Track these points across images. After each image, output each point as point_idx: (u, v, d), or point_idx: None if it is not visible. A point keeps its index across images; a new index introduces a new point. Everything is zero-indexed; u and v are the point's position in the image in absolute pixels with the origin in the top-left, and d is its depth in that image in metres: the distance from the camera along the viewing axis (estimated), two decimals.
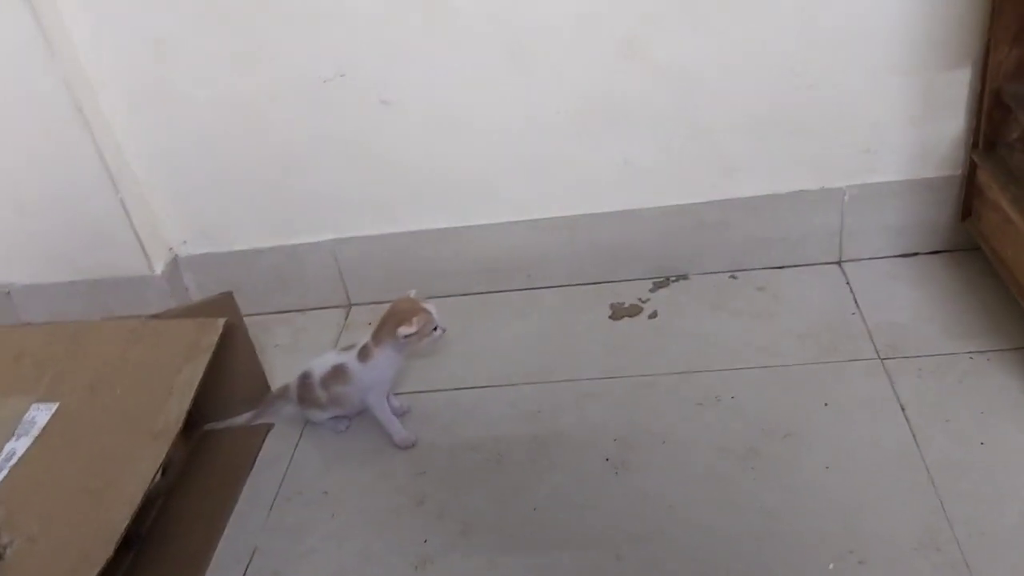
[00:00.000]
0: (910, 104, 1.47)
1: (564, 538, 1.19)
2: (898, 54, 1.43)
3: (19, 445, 1.19)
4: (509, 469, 1.32)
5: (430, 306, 1.36)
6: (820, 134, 1.51)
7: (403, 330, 1.32)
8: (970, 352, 1.37)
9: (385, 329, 1.35)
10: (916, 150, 1.52)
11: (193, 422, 1.49)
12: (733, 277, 1.65)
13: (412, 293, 1.38)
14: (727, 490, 1.21)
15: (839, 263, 1.63)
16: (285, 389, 1.45)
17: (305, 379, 1.41)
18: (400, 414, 1.44)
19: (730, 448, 1.28)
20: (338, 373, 1.38)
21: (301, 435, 1.46)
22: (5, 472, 1.15)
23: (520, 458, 1.33)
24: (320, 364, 1.40)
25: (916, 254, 1.61)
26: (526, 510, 1.24)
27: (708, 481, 1.23)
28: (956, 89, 1.45)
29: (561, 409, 1.41)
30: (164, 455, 1.17)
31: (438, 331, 1.35)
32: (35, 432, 1.21)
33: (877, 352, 1.40)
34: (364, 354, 1.37)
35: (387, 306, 1.38)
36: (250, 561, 1.25)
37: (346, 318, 1.75)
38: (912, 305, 1.49)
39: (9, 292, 1.75)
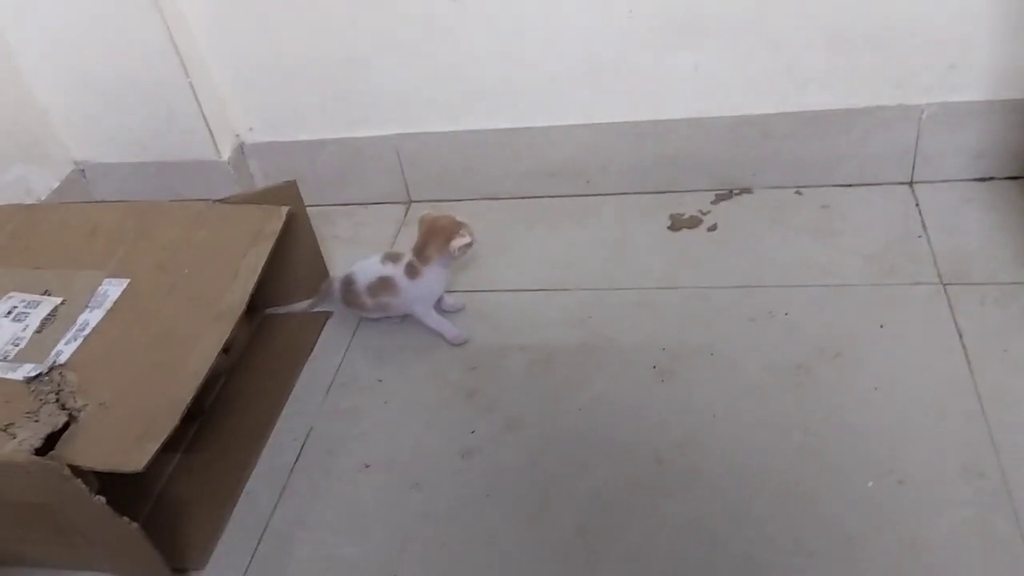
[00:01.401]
0: (1002, 20, 1.39)
1: (606, 439, 1.21)
2: None
3: (92, 316, 1.24)
4: (556, 371, 1.34)
5: (462, 218, 1.39)
6: (902, 48, 1.44)
7: (458, 242, 1.35)
8: None
9: (433, 246, 1.37)
10: (1003, 70, 1.44)
11: (255, 305, 1.54)
12: (798, 193, 1.62)
13: (425, 213, 1.41)
14: (771, 404, 1.21)
15: (910, 184, 1.58)
16: (329, 285, 1.48)
17: (349, 284, 1.43)
18: (455, 310, 1.47)
19: (779, 364, 1.27)
20: (385, 285, 1.40)
21: (359, 325, 1.49)
22: (80, 341, 1.20)
23: (568, 361, 1.35)
24: (364, 271, 1.42)
25: (992, 179, 1.55)
26: (571, 410, 1.26)
27: (753, 394, 1.23)
28: None
29: (612, 317, 1.42)
30: (228, 335, 1.20)
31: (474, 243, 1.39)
32: (107, 305, 1.26)
33: (940, 277, 1.37)
34: (412, 271, 1.38)
35: (433, 215, 1.40)
36: (306, 440, 1.30)
37: (405, 214, 1.77)
38: (982, 231, 1.44)
39: (84, 170, 1.80)
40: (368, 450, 1.27)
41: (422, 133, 1.70)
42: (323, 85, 1.67)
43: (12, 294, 1.29)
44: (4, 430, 1.07)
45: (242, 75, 1.68)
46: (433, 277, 1.39)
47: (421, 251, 1.38)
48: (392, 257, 1.42)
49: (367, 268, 1.42)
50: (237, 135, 1.76)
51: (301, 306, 1.52)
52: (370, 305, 1.42)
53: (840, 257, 1.45)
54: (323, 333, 1.50)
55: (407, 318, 1.46)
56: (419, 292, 1.40)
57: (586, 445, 1.21)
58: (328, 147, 1.75)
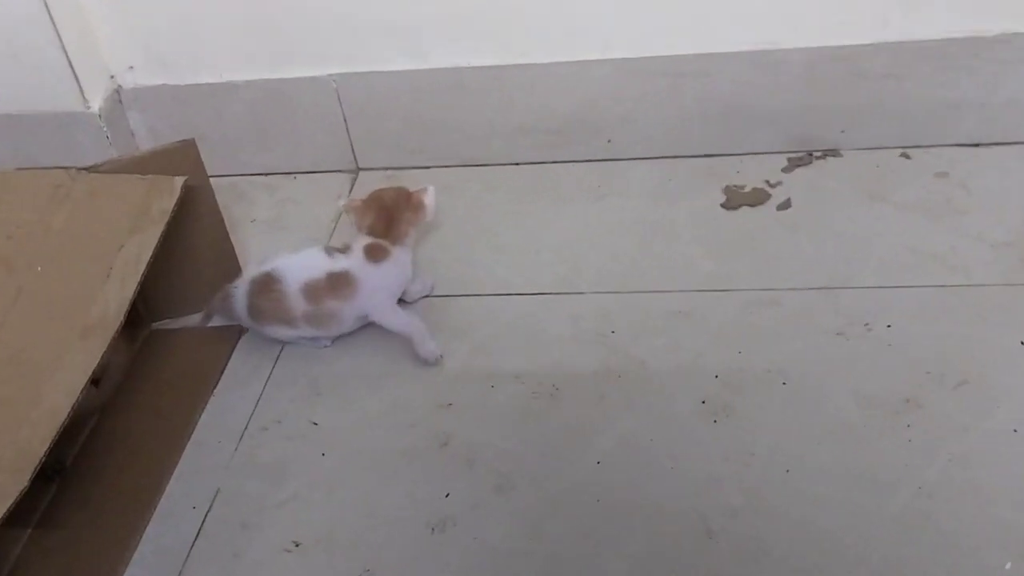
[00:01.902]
0: None
1: (635, 504, 1.20)
2: None
3: None
4: (567, 407, 1.33)
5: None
6: None
7: (431, 198, 1.47)
8: None
9: (405, 216, 1.44)
10: None
11: (138, 317, 1.53)
12: (904, 155, 1.62)
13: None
14: (867, 453, 1.21)
15: None
16: (227, 293, 1.46)
17: (268, 285, 1.42)
18: (422, 296, 1.52)
19: (878, 396, 1.27)
20: (339, 282, 1.41)
21: (284, 344, 1.49)
22: None
23: (583, 393, 1.34)
24: (298, 267, 1.42)
25: None
26: (586, 464, 1.26)
27: (841, 439, 1.23)
28: None
29: (644, 330, 1.42)
30: (98, 359, 1.19)
31: None
32: None
33: None
34: (377, 253, 1.41)
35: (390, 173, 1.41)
36: (210, 507, 1.29)
37: (351, 187, 1.76)
38: None
39: None
40: (298, 522, 1.26)
41: (373, 73, 1.69)
42: (233, 4, 1.66)
43: None
44: None
45: None
46: (404, 259, 1.45)
47: (388, 228, 1.43)
48: (337, 249, 1.43)
49: (303, 264, 1.42)
50: (112, 76, 1.76)
51: (199, 318, 1.52)
52: (303, 315, 1.42)
53: (963, 245, 1.45)
54: (234, 356, 1.49)
55: (340, 338, 1.47)
56: (385, 280, 1.43)
57: (607, 513, 1.20)
58: (241, 93, 1.74)
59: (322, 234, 1.68)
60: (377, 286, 1.43)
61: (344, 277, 1.40)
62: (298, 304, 1.41)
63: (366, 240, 1.43)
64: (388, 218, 1.44)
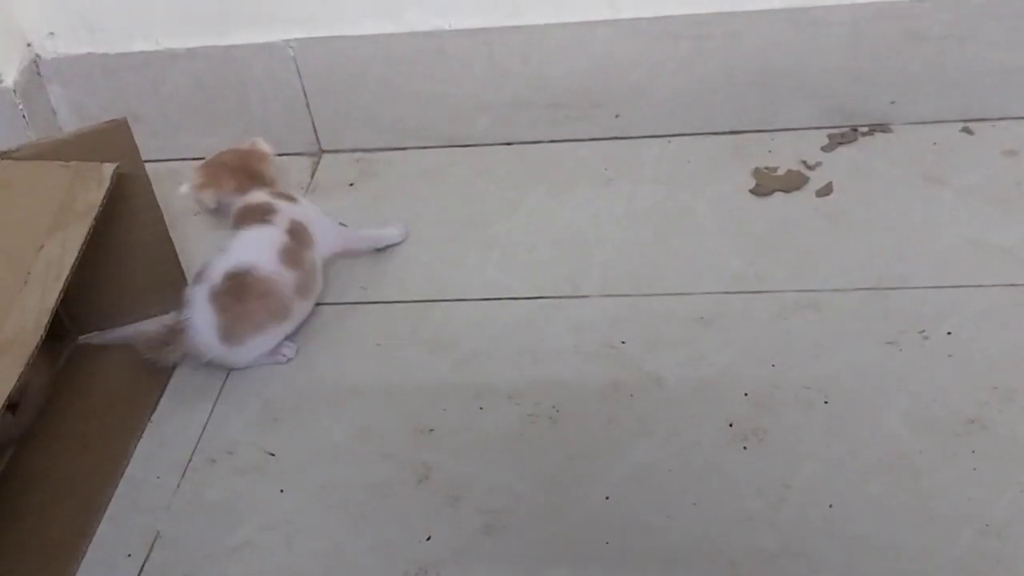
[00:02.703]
0: None
1: (652, 547, 1.20)
2: None
3: None
4: (569, 433, 1.33)
5: None
6: None
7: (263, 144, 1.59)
8: None
9: (262, 168, 1.56)
10: None
11: (62, 330, 1.52)
12: (966, 131, 1.62)
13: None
14: (926, 487, 1.21)
15: None
16: (175, 329, 1.44)
17: (244, 283, 1.42)
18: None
19: (936, 416, 1.27)
20: (299, 231, 1.47)
21: None
22: None
23: (587, 416, 1.34)
24: (258, 243, 1.45)
25: None
26: (592, 499, 1.25)
27: (895, 471, 1.23)
28: None
29: (659, 340, 1.41)
30: (15, 381, 1.19)
31: None
32: None
33: None
34: (286, 194, 1.52)
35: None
36: (148, 556, 1.28)
37: (313, 173, 1.76)
38: None
39: None
40: (252, 573, 1.25)
41: (338, 38, 1.69)
42: None
43: None
44: None
45: None
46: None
47: (264, 179, 1.54)
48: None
49: (257, 239, 1.45)
50: (28, 44, 1.76)
51: (144, 330, 1.52)
52: (297, 290, 1.46)
53: None
54: (175, 375, 1.49)
55: (298, 351, 1.49)
56: (316, 209, 1.54)
57: (617, 558, 1.20)
58: (182, 62, 1.74)
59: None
60: (317, 217, 1.52)
61: (297, 224, 1.47)
62: (287, 281, 1.44)
63: (261, 191, 1.50)
64: (249, 173, 1.52)
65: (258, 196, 1.49)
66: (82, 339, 1.54)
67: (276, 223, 1.46)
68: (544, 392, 1.38)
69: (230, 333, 1.42)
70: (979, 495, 1.19)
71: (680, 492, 1.24)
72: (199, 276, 1.42)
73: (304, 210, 1.50)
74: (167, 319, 1.47)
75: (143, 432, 1.42)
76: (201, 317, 1.41)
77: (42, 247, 1.31)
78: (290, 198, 1.50)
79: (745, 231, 1.54)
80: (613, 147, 1.71)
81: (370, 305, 1.53)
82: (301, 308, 1.48)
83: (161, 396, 1.46)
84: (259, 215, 1.46)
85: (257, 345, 1.45)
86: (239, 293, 1.41)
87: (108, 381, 1.49)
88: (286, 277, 1.43)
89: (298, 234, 1.46)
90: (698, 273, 1.49)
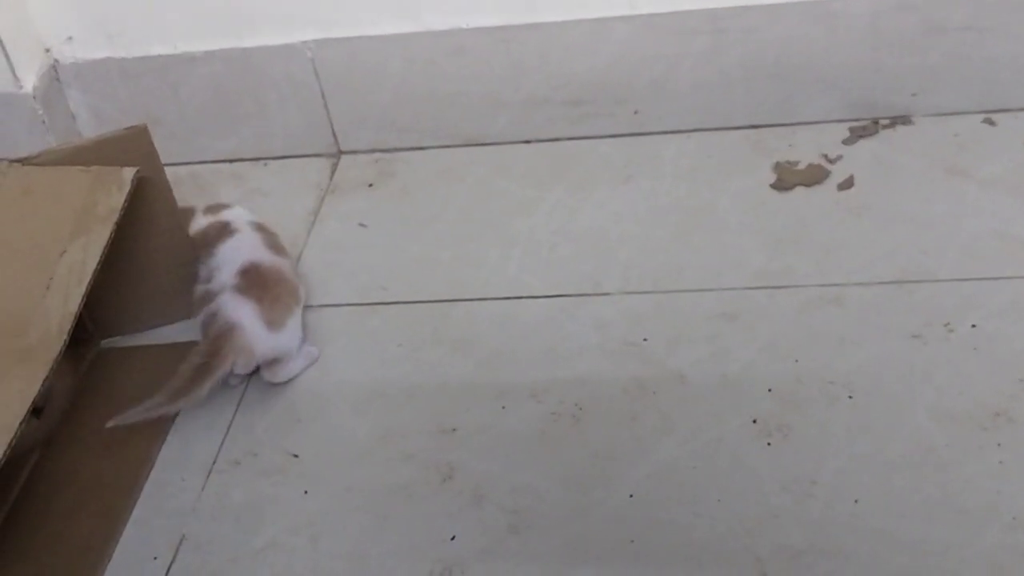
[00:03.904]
0: None
1: (677, 545, 1.20)
2: None
3: None
4: (592, 431, 1.33)
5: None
6: None
7: None
8: None
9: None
10: None
11: (85, 335, 1.53)
12: (989, 122, 1.62)
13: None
14: (953, 482, 1.20)
15: None
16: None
17: (263, 274, 1.45)
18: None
19: (964, 411, 1.26)
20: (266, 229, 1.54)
21: None
22: None
23: (611, 414, 1.34)
24: (240, 251, 1.48)
25: None
26: (617, 497, 1.25)
27: (922, 465, 1.22)
28: None
29: (682, 337, 1.41)
30: (39, 386, 1.19)
31: None
32: None
33: None
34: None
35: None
36: (174, 559, 1.29)
37: (332, 175, 1.76)
38: None
39: None
40: (277, 574, 1.25)
41: (356, 38, 1.70)
42: None
43: None
44: None
45: None
46: None
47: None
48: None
49: (246, 243, 1.50)
50: (47, 50, 1.76)
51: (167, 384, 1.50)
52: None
53: None
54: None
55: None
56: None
57: (642, 556, 1.20)
58: (200, 66, 1.74)
59: (299, 228, 1.68)
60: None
61: (251, 221, 1.54)
62: (286, 266, 1.49)
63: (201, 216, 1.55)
64: None
65: (201, 221, 1.53)
66: (105, 343, 1.54)
67: (239, 228, 1.50)
68: (567, 390, 1.37)
69: (272, 319, 1.42)
70: (1006, 488, 1.18)
71: (705, 489, 1.24)
72: (206, 297, 1.43)
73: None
74: (192, 357, 1.40)
75: (167, 435, 1.42)
76: (242, 312, 1.41)
77: (64, 252, 1.31)
78: (223, 206, 1.55)
79: (767, 226, 1.54)
80: (633, 144, 1.71)
81: (391, 305, 1.53)
82: (303, 292, 1.50)
83: None
84: (221, 232, 1.49)
85: (293, 328, 1.46)
86: (263, 281, 1.43)
87: (131, 385, 1.48)
88: (283, 263, 1.48)
89: (258, 226, 1.51)
90: (720, 269, 1.49)
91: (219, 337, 1.39)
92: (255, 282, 1.42)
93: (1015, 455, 1.21)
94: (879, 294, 1.41)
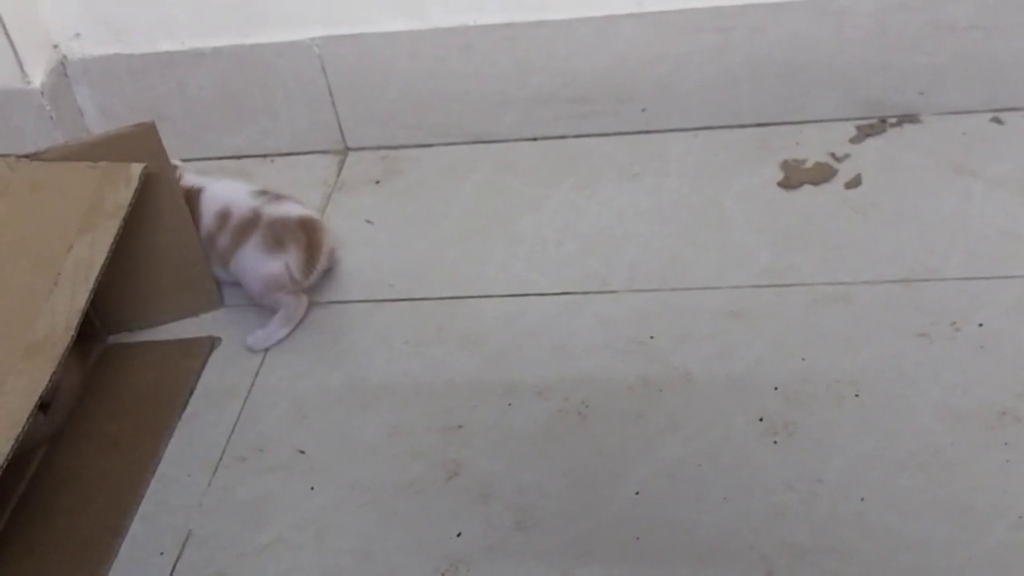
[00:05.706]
0: None
1: (683, 543, 1.20)
2: None
3: None
4: (598, 429, 1.33)
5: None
6: None
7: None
8: None
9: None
10: None
11: (92, 331, 1.53)
12: (996, 120, 1.62)
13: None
14: (959, 480, 1.20)
15: None
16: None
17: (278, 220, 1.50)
18: None
19: (970, 410, 1.26)
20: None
21: (265, 357, 1.49)
22: None
23: (617, 412, 1.34)
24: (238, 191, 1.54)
25: None
26: (623, 495, 1.25)
27: (928, 464, 1.22)
28: None
29: (688, 335, 1.41)
30: (46, 382, 1.20)
31: None
32: None
33: None
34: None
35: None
36: (180, 554, 1.29)
37: (339, 172, 1.76)
38: None
39: None
40: (283, 570, 1.25)
41: (363, 35, 1.70)
42: None
43: None
44: None
45: None
46: None
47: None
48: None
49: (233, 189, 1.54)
50: (55, 46, 1.76)
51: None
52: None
53: None
54: (205, 373, 1.49)
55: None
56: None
57: (648, 553, 1.20)
58: (208, 62, 1.75)
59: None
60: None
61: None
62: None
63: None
64: None
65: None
66: (112, 339, 1.54)
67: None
68: (573, 388, 1.38)
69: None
70: (1012, 487, 1.18)
71: (710, 487, 1.24)
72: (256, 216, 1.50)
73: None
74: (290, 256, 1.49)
75: (174, 431, 1.43)
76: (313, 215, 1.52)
77: (71, 248, 1.31)
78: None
79: (774, 224, 1.54)
80: (639, 141, 1.71)
81: (397, 302, 1.53)
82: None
83: (191, 394, 1.47)
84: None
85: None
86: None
87: (138, 381, 1.49)
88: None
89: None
90: (727, 267, 1.49)
91: (313, 229, 1.52)
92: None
93: (1021, 454, 1.21)
94: (886, 293, 1.41)
